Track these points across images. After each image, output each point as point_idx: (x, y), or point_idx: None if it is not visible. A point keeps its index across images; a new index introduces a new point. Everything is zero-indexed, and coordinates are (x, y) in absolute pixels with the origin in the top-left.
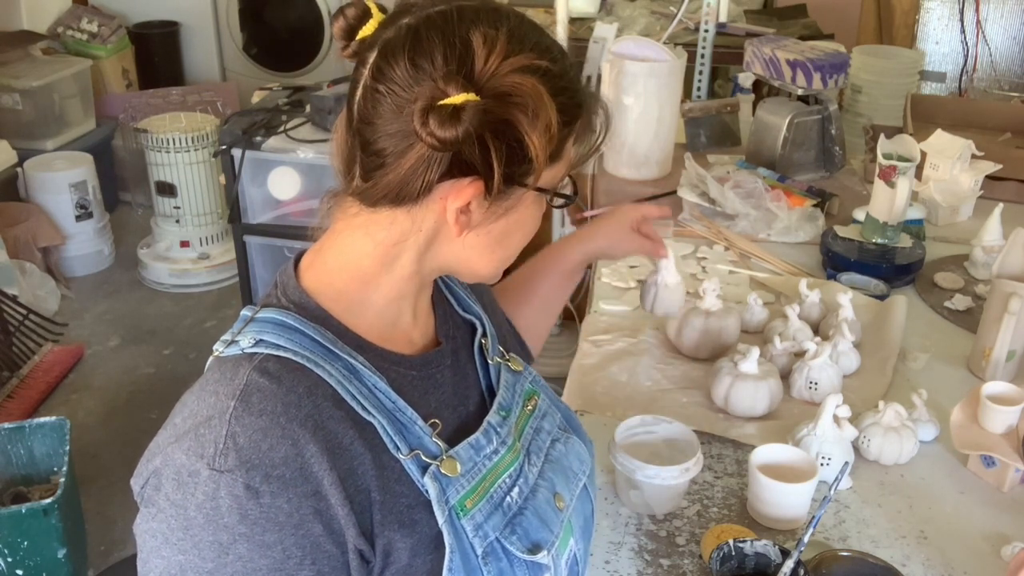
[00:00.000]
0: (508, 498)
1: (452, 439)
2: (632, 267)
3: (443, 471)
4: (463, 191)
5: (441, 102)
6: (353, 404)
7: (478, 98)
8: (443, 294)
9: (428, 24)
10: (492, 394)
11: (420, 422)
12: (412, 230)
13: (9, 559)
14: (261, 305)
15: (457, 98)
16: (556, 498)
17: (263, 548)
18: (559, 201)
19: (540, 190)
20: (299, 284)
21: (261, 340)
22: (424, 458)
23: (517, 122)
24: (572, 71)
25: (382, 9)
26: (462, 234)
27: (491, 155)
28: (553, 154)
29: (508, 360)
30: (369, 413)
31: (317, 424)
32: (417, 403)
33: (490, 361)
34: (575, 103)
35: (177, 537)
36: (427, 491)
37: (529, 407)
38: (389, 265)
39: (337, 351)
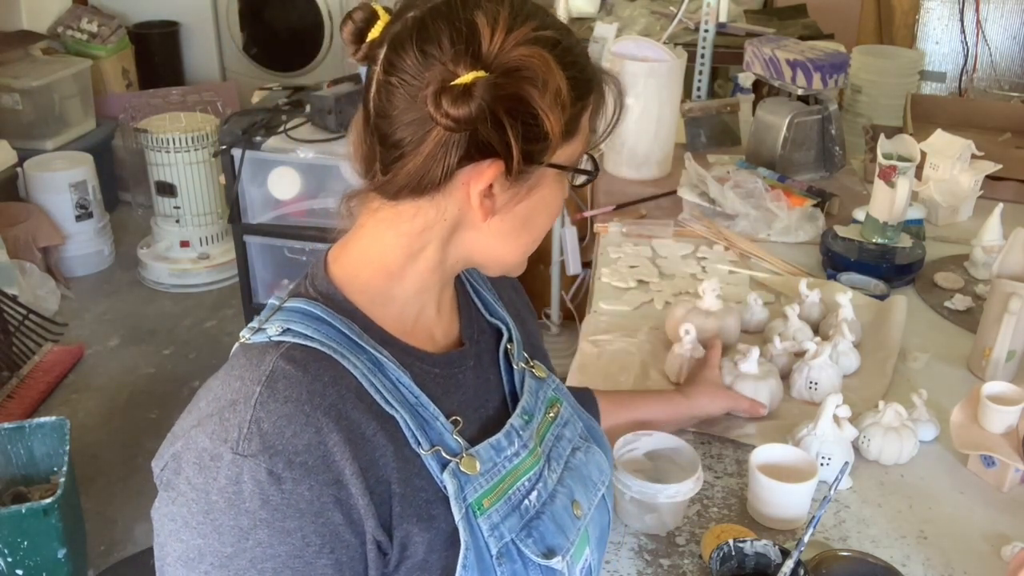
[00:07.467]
0: (526, 501)
1: (473, 440)
2: (632, 267)
3: (462, 468)
4: (484, 173)
5: (452, 83)
6: (376, 397)
7: (487, 74)
8: (470, 298)
9: (433, 13)
10: (515, 399)
11: (442, 419)
12: (436, 219)
13: (9, 559)
14: (289, 295)
15: (467, 77)
16: (574, 505)
17: (283, 535)
18: (580, 179)
19: (559, 167)
20: (327, 276)
21: (288, 329)
22: (444, 455)
23: (528, 95)
24: (579, 46)
25: (388, 11)
26: (487, 219)
27: (507, 132)
28: (568, 129)
29: (532, 367)
30: (392, 407)
31: (340, 414)
32: (439, 401)
33: (515, 366)
34: (585, 77)
35: (197, 521)
36: (445, 487)
37: (551, 414)
38: (414, 257)
39: (363, 344)
